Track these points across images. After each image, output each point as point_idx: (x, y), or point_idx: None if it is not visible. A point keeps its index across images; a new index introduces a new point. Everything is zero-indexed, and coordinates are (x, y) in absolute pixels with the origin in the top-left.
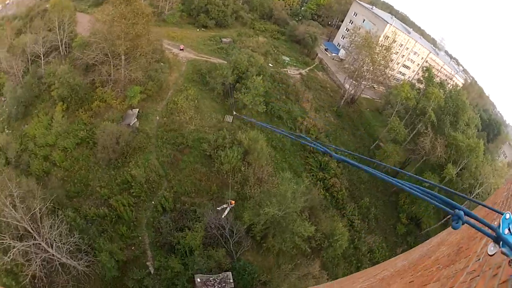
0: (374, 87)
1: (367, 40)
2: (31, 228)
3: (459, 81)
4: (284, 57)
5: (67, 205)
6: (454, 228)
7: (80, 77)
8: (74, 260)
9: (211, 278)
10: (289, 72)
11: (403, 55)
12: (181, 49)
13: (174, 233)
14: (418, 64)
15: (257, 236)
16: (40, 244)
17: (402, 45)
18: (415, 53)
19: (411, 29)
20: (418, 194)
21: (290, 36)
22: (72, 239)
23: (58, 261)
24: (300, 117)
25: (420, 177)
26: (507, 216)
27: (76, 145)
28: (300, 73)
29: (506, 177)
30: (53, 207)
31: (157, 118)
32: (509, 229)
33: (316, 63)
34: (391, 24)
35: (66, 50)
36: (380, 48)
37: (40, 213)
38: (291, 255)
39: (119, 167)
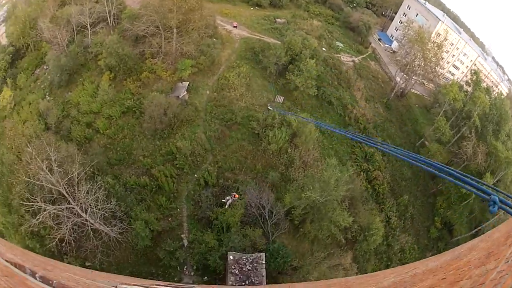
0: (424, 84)
1: (420, 35)
2: (67, 192)
3: (504, 90)
4: (338, 43)
5: (107, 172)
6: (491, 212)
7: (129, 48)
8: (108, 227)
9: (243, 257)
10: (342, 58)
11: (453, 55)
12: (234, 26)
13: (214, 208)
14: (467, 66)
15: (295, 220)
16: (73, 208)
17: (452, 44)
18: (464, 54)
19: (462, 29)
20: (454, 180)
21: (344, 22)
22: (108, 205)
23: (90, 226)
24: (350, 105)
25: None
26: None
27: (121, 114)
28: (353, 61)
29: None
30: (93, 173)
31: (207, 92)
32: None
33: (369, 52)
34: (443, 22)
35: (114, 22)
36: (432, 44)
37: (78, 178)
38: (326, 243)
39: (165, 138)
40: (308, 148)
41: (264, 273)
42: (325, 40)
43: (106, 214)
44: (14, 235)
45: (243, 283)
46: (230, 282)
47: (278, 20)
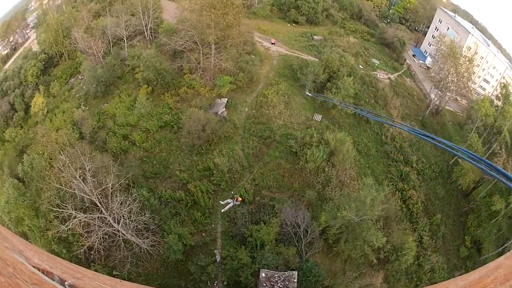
0: (457, 100)
1: (452, 50)
2: (100, 202)
3: None
4: (374, 60)
5: (142, 184)
6: None
7: (167, 62)
8: (140, 238)
9: (276, 275)
10: (378, 75)
11: (484, 69)
12: (272, 43)
13: (249, 225)
14: (497, 79)
15: (330, 239)
16: (105, 218)
17: (482, 57)
18: (494, 67)
19: (490, 41)
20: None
21: (379, 38)
22: (142, 217)
23: (122, 236)
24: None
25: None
26: None
27: (159, 128)
28: (389, 78)
29: None
30: (128, 185)
31: (246, 109)
32: None
33: (404, 69)
34: (473, 35)
35: (151, 35)
36: (464, 59)
37: (112, 188)
38: (358, 263)
39: (202, 154)
40: (345, 167)
41: None
42: (362, 57)
43: (139, 226)
44: (40, 239)
45: None
46: None
47: (315, 37)
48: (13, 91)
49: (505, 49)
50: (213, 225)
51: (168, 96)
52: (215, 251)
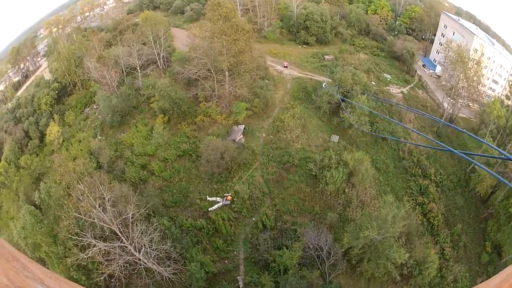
0: (469, 106)
1: (460, 55)
2: (120, 231)
3: None
4: (386, 75)
5: (162, 214)
6: None
7: (182, 91)
8: (161, 266)
9: None
10: (391, 90)
11: (491, 69)
12: (285, 66)
13: (271, 251)
14: (505, 78)
15: (353, 259)
16: (126, 247)
17: (489, 58)
18: (501, 66)
19: (494, 40)
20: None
21: (389, 52)
22: (164, 246)
23: (143, 265)
24: (403, 138)
25: None
26: None
27: (177, 157)
28: (401, 92)
29: None
30: (148, 214)
31: (263, 135)
32: None
33: (416, 81)
34: (478, 36)
35: (164, 64)
36: (472, 62)
37: (132, 218)
38: (382, 281)
39: (222, 182)
40: (365, 186)
41: None
42: (373, 73)
43: (161, 254)
44: (58, 265)
45: None
46: None
47: (326, 57)
48: (27, 119)
49: (509, 44)
50: (235, 252)
51: (185, 125)
52: (238, 277)
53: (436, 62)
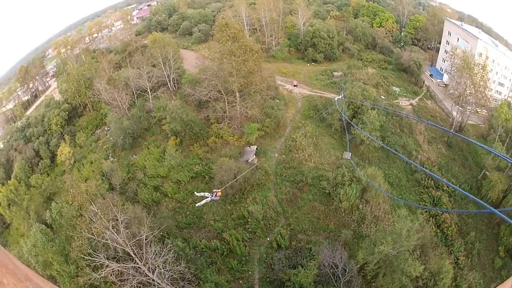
0: (477, 111)
1: (465, 61)
2: (134, 253)
3: None
4: (395, 88)
5: (176, 235)
6: None
7: (193, 113)
8: (176, 287)
9: None
10: (400, 103)
11: (497, 72)
12: (294, 85)
13: (286, 270)
14: (510, 79)
15: (368, 275)
16: (140, 267)
17: (494, 60)
18: (505, 67)
19: (497, 41)
20: None
21: (396, 64)
22: (178, 267)
23: (157, 286)
24: (415, 151)
25: None
26: None
27: (190, 179)
28: (411, 104)
29: None
30: (162, 236)
31: (276, 155)
32: None
33: (424, 91)
34: (481, 39)
35: (175, 86)
36: (477, 67)
37: (146, 239)
38: None
39: (236, 203)
40: (378, 201)
41: None
42: (382, 87)
43: (175, 275)
44: (69, 284)
45: None
46: None
47: (335, 73)
48: (37, 138)
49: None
50: (250, 272)
51: (197, 147)
52: None
53: (443, 70)
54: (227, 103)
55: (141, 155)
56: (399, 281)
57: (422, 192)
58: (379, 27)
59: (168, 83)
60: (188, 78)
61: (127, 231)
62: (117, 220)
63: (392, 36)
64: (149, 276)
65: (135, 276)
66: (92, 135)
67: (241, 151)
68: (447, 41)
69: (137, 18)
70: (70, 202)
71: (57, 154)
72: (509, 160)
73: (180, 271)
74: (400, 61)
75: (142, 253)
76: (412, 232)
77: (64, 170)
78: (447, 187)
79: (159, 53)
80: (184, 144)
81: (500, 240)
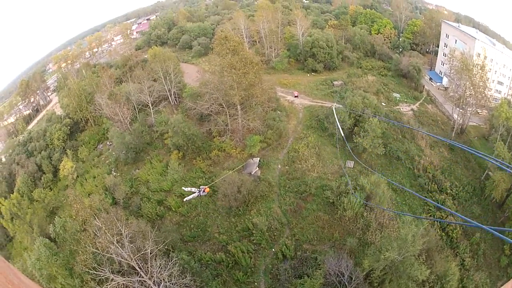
0: (478, 112)
1: (464, 63)
2: (139, 267)
3: None
4: (395, 94)
5: (181, 248)
6: None
7: (195, 127)
8: None
9: None
10: (401, 109)
11: (495, 71)
12: (295, 96)
13: (292, 280)
14: (509, 77)
15: (374, 282)
16: (145, 281)
17: (492, 59)
18: (504, 65)
19: (495, 39)
20: None
21: (395, 70)
22: (183, 280)
23: None
24: (417, 156)
25: None
26: None
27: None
28: (412, 109)
29: None
30: (167, 249)
31: (279, 166)
32: None
33: (424, 96)
34: (479, 39)
35: (176, 100)
36: (476, 68)
37: (151, 253)
38: None
39: (240, 215)
40: (382, 208)
41: None
42: (383, 94)
43: None
44: None
45: None
46: None
47: (335, 82)
48: (39, 153)
49: (509, 41)
50: (256, 283)
51: (200, 160)
52: None
53: (442, 74)
54: (229, 116)
55: (144, 170)
56: (405, 286)
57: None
58: (377, 34)
59: (169, 97)
60: (189, 92)
61: (131, 245)
62: (121, 234)
63: (390, 42)
64: None
65: None
66: (94, 149)
67: (244, 163)
68: (445, 44)
69: (136, 32)
70: (74, 217)
71: (60, 169)
72: (508, 169)
73: (185, 284)
74: (399, 67)
75: (147, 267)
76: (417, 237)
77: (67, 185)
78: (451, 189)
79: (159, 67)
80: (186, 158)
81: (506, 238)
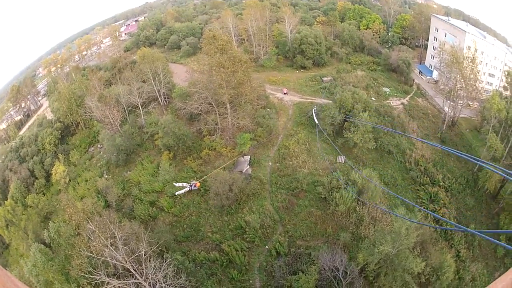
0: (469, 105)
1: (454, 56)
2: (134, 269)
3: None
4: (385, 89)
5: (175, 249)
6: None
7: (185, 127)
8: None
9: None
10: (391, 103)
11: (486, 63)
12: (285, 93)
13: (287, 277)
14: (500, 69)
15: (369, 276)
16: (141, 283)
17: (482, 52)
18: (495, 57)
19: (485, 32)
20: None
21: (385, 65)
22: (178, 281)
23: None
24: (409, 149)
25: None
26: None
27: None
28: (402, 103)
29: None
30: (161, 250)
31: (270, 163)
32: None
33: (414, 90)
34: (469, 32)
35: (165, 100)
36: (467, 61)
37: (145, 255)
38: None
39: (233, 213)
40: (375, 202)
41: None
42: (372, 88)
43: None
44: None
45: None
46: None
47: (325, 78)
48: (32, 158)
49: (500, 33)
50: (251, 281)
51: (190, 160)
52: None
53: (432, 67)
54: (219, 115)
55: (135, 171)
56: (401, 279)
57: (418, 190)
58: (366, 29)
59: (159, 98)
60: (179, 92)
61: (125, 247)
62: (115, 237)
63: (379, 37)
64: None
65: None
66: (85, 153)
67: (234, 162)
68: (434, 37)
69: (125, 34)
70: (67, 221)
71: (52, 173)
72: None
73: (181, 284)
74: (388, 61)
75: (142, 269)
76: (411, 230)
77: (59, 189)
78: (443, 181)
79: (148, 69)
80: (177, 158)
81: (500, 229)
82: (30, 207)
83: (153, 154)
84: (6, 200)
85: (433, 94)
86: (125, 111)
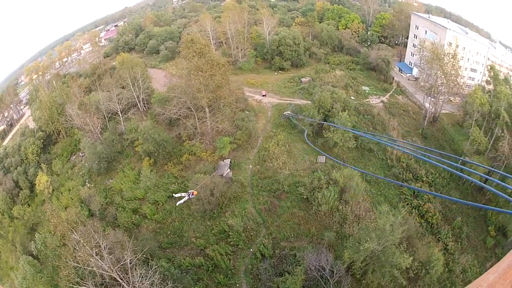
0: (451, 100)
1: (435, 52)
2: (120, 278)
3: None
4: (364, 87)
5: (160, 256)
6: None
7: (165, 132)
8: None
9: None
10: (371, 101)
11: (468, 59)
12: (263, 95)
13: (274, 279)
14: (482, 64)
15: (356, 273)
16: None
17: (464, 48)
18: (477, 53)
19: (467, 28)
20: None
21: (364, 64)
22: None
23: None
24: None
25: None
26: None
27: (167, 198)
28: (382, 101)
29: None
30: (146, 258)
31: (250, 166)
32: None
33: (394, 87)
34: (450, 29)
35: (145, 106)
36: (448, 57)
37: (130, 263)
38: None
39: (215, 218)
40: (358, 201)
41: None
42: (352, 87)
43: None
44: None
45: None
46: None
47: (303, 79)
48: (15, 169)
49: (483, 29)
50: (237, 284)
51: (171, 166)
52: None
53: (412, 64)
54: (198, 119)
55: (117, 179)
56: (389, 274)
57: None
58: (345, 29)
59: (138, 104)
60: (157, 97)
61: (111, 256)
62: (100, 246)
63: (358, 36)
64: None
65: None
66: (67, 162)
67: (215, 166)
68: (414, 35)
69: (105, 39)
70: (53, 232)
71: (36, 184)
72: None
73: None
74: (367, 60)
75: (129, 277)
76: (395, 226)
77: (43, 199)
78: (426, 177)
79: (127, 74)
80: (158, 164)
81: (489, 220)
82: (17, 218)
83: (134, 161)
84: None
85: (414, 91)
86: (105, 118)
